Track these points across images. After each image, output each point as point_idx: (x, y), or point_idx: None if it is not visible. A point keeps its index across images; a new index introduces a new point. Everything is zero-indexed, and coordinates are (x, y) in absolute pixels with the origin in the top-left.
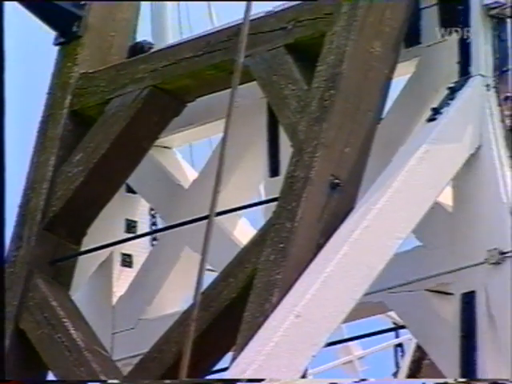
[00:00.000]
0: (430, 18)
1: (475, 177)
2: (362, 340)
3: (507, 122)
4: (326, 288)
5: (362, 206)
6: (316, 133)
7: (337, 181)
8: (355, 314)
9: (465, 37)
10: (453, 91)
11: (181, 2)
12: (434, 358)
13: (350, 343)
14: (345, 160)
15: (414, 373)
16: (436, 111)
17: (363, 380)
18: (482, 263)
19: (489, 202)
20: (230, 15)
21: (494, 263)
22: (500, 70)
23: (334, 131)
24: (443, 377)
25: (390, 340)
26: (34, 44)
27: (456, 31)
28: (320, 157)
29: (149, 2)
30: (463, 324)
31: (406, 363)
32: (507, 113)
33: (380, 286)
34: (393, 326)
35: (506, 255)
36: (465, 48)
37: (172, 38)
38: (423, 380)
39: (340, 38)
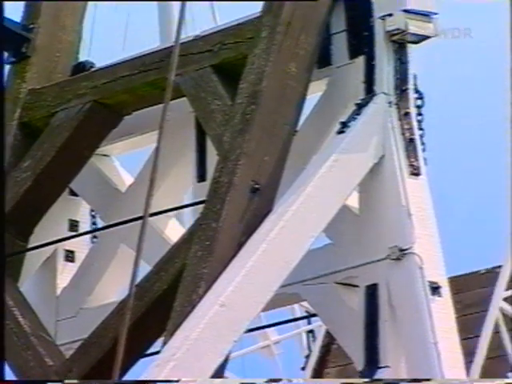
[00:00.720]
0: (340, 43)
1: (379, 183)
2: (279, 326)
3: (407, 134)
4: (247, 280)
5: (279, 207)
6: (239, 143)
7: (257, 186)
8: (273, 303)
9: (370, 59)
10: (359, 107)
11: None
12: (342, 342)
13: (268, 329)
14: (264, 167)
15: (323, 356)
16: (344, 125)
17: (275, 380)
18: (384, 259)
19: (390, 205)
20: (231, 13)
21: (394, 259)
22: (400, 89)
23: (255, 142)
24: (350, 359)
25: (303, 327)
26: None
27: (362, 54)
28: (242, 164)
29: (156, 2)
30: (367, 313)
31: (316, 347)
32: (407, 127)
33: (295, 278)
34: (305, 314)
35: (405, 252)
36: (370, 69)
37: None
38: (332, 380)
39: (260, 59)
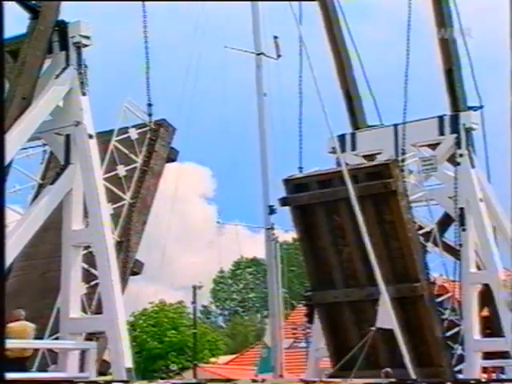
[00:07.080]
0: (56, 49)
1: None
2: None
3: (82, 82)
4: (20, 133)
5: (27, 112)
6: (17, 81)
7: (24, 97)
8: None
9: (67, 53)
10: (63, 69)
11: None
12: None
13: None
14: (27, 89)
15: (48, 163)
16: (62, 70)
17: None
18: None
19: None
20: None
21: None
22: (78, 64)
23: (23, 79)
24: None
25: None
26: None
27: (63, 51)
28: (18, 89)
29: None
30: (64, 156)
31: (46, 157)
32: (80, 77)
33: (38, 130)
34: (42, 144)
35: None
36: (67, 56)
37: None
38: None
39: (25, 50)
